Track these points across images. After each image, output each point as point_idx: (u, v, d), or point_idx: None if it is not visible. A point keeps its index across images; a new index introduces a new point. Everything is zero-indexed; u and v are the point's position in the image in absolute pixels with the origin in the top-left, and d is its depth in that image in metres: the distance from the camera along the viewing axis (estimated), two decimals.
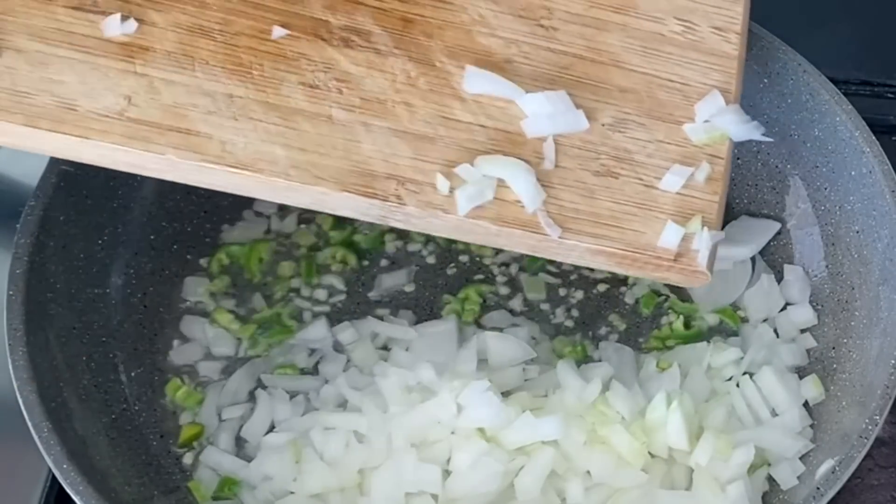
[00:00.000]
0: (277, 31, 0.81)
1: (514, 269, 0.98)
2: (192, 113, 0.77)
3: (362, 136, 0.78)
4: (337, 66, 0.80)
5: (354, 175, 0.76)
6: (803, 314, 0.95)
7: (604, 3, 0.86)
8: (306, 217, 1.00)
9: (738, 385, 0.91)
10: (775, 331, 0.95)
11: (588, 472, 0.84)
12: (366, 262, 0.99)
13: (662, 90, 0.84)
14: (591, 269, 0.98)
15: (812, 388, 0.91)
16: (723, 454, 0.85)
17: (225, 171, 0.76)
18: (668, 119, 0.82)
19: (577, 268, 0.99)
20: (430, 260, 0.99)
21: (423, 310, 0.97)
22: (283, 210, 1.00)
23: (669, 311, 0.97)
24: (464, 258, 0.99)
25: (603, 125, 0.81)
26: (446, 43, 0.83)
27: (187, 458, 0.90)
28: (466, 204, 0.77)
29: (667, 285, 0.98)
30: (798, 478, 0.86)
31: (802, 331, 0.95)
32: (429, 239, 0.99)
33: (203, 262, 0.98)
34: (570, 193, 0.79)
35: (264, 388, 0.92)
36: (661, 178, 0.80)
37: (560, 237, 0.77)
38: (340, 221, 1.00)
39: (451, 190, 0.77)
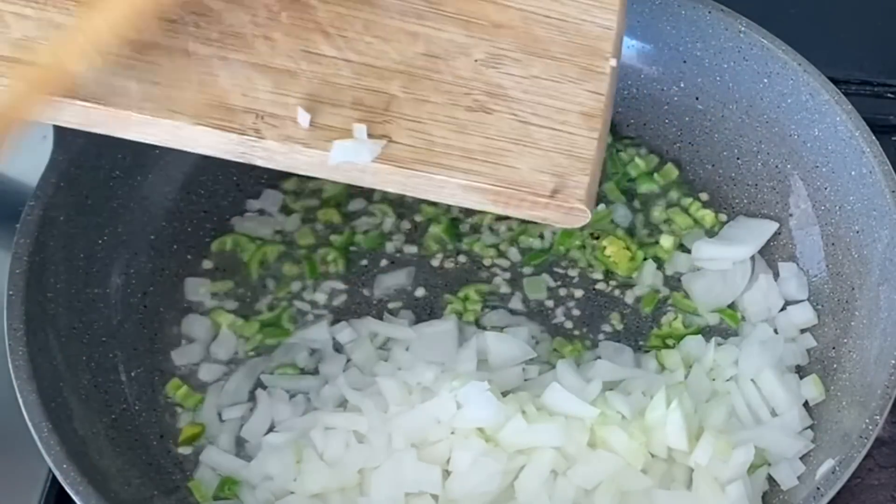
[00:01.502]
0: None
1: (514, 268, 0.99)
2: (42, 47, 0.74)
3: (220, 69, 0.76)
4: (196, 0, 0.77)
5: (211, 108, 0.74)
6: (803, 314, 0.95)
7: None
8: (309, 217, 1.00)
9: (738, 385, 0.91)
10: (775, 330, 0.95)
11: (588, 472, 0.84)
12: (365, 262, 0.99)
13: (539, 26, 0.81)
14: (592, 270, 0.98)
15: (812, 388, 0.91)
16: (723, 454, 0.85)
17: (75, 105, 0.73)
18: (544, 55, 0.80)
19: (577, 268, 0.99)
20: (430, 260, 0.99)
21: (423, 310, 0.97)
22: (286, 209, 1.01)
23: (669, 310, 0.97)
24: (464, 258, 0.99)
25: (476, 61, 0.79)
26: None
27: (187, 459, 0.90)
28: (339, 155, 0.75)
29: (666, 285, 0.98)
30: (798, 478, 0.86)
31: (802, 331, 0.95)
32: (429, 239, 0.99)
33: (206, 264, 0.98)
34: (441, 129, 0.77)
35: (264, 388, 0.92)
36: (537, 113, 0.78)
37: (430, 172, 0.75)
38: (341, 221, 1.00)
39: (313, 124, 0.75)
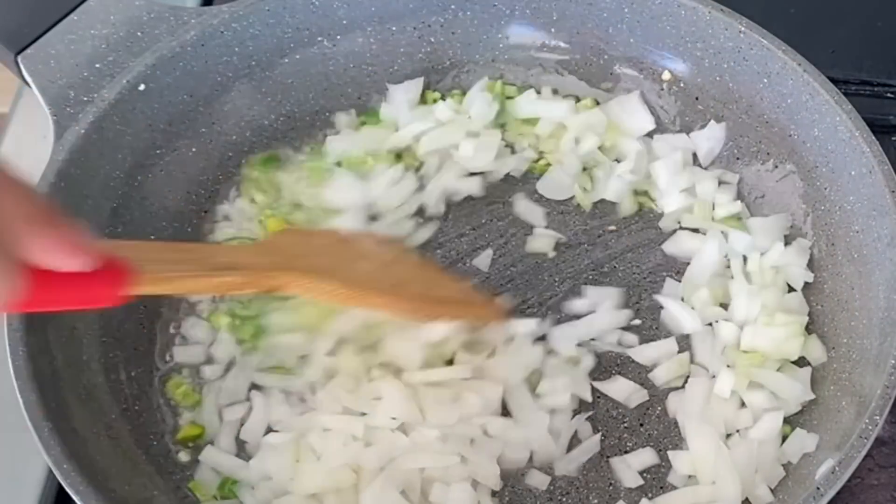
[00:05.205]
0: None
1: (514, 269, 0.98)
2: None
3: None
4: None
5: None
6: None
7: None
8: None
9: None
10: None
11: None
12: None
13: None
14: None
15: (815, 349, 0.91)
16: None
17: None
18: None
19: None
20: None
21: None
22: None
23: None
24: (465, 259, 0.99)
25: None
26: None
27: (187, 459, 0.90)
28: None
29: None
30: (798, 478, 0.86)
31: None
32: (429, 240, 0.99)
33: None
34: None
35: (260, 389, 0.92)
36: None
37: None
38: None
39: None
